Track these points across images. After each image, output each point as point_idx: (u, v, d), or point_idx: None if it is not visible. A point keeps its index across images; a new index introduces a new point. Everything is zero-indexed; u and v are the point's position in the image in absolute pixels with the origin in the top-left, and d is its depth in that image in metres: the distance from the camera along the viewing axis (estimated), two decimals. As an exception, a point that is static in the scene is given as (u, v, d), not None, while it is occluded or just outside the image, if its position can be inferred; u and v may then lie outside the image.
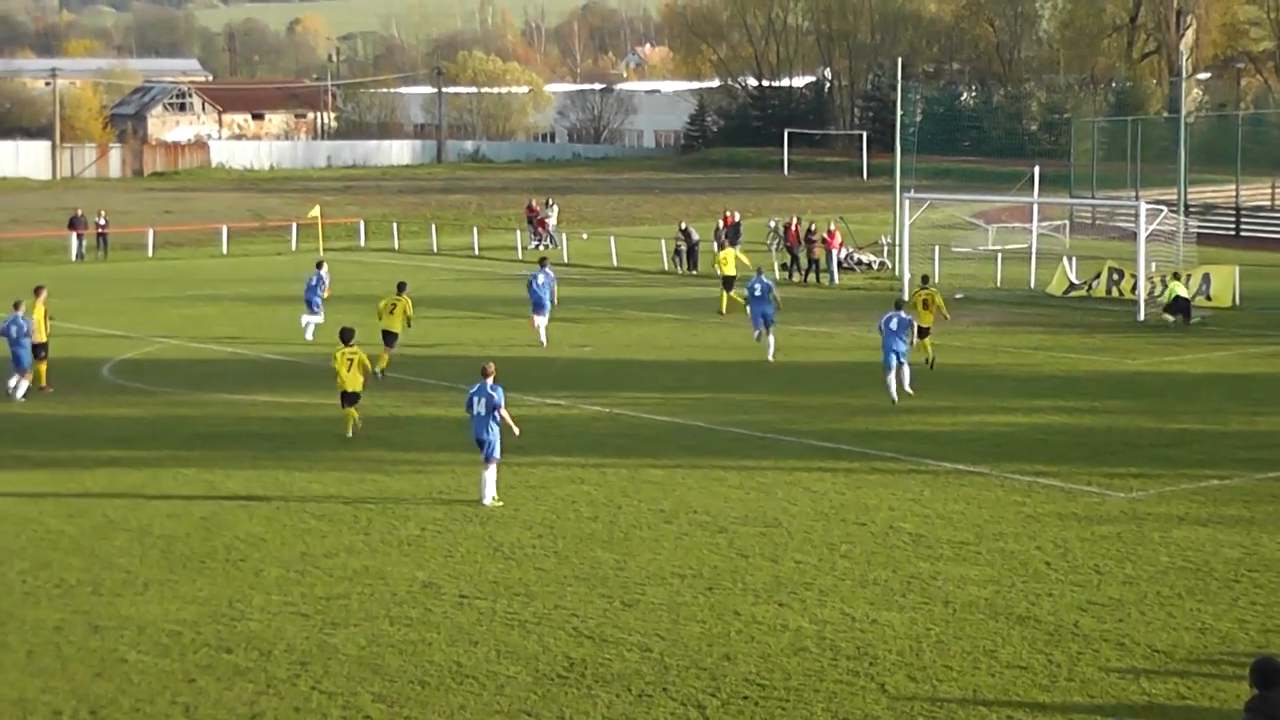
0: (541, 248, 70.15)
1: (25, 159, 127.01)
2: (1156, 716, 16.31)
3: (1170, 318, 44.97)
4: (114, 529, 23.69)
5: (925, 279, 40.56)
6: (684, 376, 37.43)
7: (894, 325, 33.29)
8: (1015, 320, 46.35)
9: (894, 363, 33.23)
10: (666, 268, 60.58)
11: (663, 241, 62.71)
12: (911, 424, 31.20)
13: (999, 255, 56.23)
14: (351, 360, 30.27)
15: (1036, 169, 58.48)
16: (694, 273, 59.51)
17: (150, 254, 69.31)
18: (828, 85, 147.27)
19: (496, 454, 25.05)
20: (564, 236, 68.72)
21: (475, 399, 25.15)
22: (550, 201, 76.78)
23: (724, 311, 47.47)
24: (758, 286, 39.33)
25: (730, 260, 48.91)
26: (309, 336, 42.06)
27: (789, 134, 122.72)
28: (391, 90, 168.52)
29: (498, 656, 18.02)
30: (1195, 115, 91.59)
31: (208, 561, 21.93)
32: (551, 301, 42.41)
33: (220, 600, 20.14)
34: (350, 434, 30.23)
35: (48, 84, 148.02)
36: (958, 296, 50.18)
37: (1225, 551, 21.94)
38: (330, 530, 23.52)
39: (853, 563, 21.57)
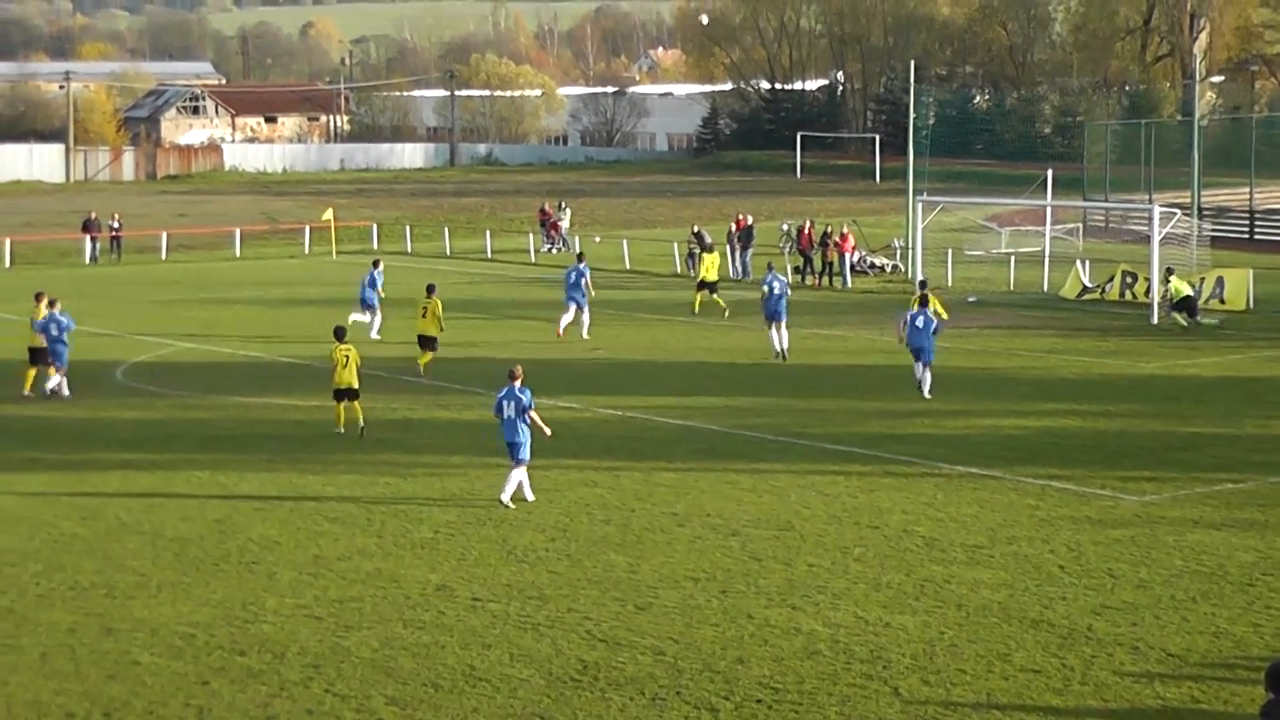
0: (554, 251, 70.24)
1: (39, 162, 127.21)
2: (1170, 721, 16.31)
3: (1180, 317, 44.89)
4: (127, 531, 23.71)
5: (924, 284, 41.04)
6: (697, 380, 37.42)
7: (919, 323, 34.02)
8: (1028, 323, 46.29)
9: (920, 361, 34.08)
10: (679, 271, 60.52)
11: (675, 244, 62.71)
12: (924, 427, 31.17)
13: (1012, 258, 56.18)
14: (348, 357, 30.56)
15: (1050, 172, 58.43)
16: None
17: (163, 257, 69.42)
18: (840, 88, 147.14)
19: (527, 455, 25.11)
20: (576, 239, 68.68)
21: (505, 402, 25.14)
22: (563, 204, 76.76)
23: (696, 311, 48.03)
24: (775, 285, 39.56)
25: (714, 266, 49.50)
26: (375, 335, 42.50)
27: (802, 137, 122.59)
28: (404, 93, 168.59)
29: (511, 660, 18.02)
30: (1209, 118, 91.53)
31: (221, 564, 21.95)
32: (586, 295, 43.53)
33: (233, 603, 20.16)
34: (343, 429, 30.47)
35: (61, 87, 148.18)
36: (971, 300, 50.19)
37: (1240, 555, 21.90)
38: (344, 533, 23.54)
39: (866, 566, 21.56)
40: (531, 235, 71.87)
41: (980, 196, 72.67)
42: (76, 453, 29.56)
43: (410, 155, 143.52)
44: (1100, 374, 37.73)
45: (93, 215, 72.03)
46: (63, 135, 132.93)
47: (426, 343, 37.85)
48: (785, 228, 64.06)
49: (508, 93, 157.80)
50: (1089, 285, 51.52)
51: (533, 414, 25.10)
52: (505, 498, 24.94)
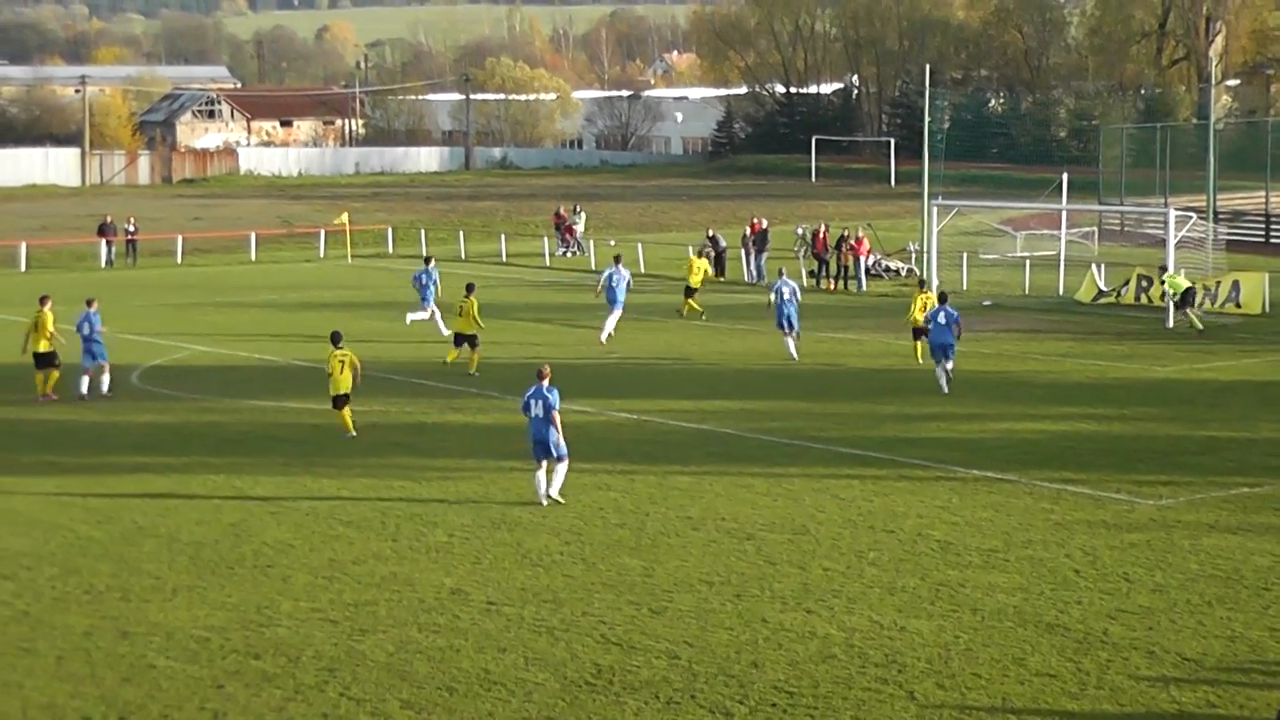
0: (569, 255, 70.25)
1: (55, 166, 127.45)
2: (1186, 725, 16.29)
3: (1195, 315, 44.83)
4: (143, 535, 23.75)
5: (922, 283, 41.89)
6: (711, 383, 37.41)
7: (941, 319, 35.01)
8: (1044, 327, 46.23)
9: (942, 356, 34.85)
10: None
11: (690, 248, 62.58)
12: (939, 431, 31.14)
13: (1027, 262, 56.08)
14: (343, 362, 30.86)
15: (1065, 176, 58.32)
16: (721, 280, 59.45)
17: (179, 261, 69.51)
18: (855, 92, 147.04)
19: (564, 451, 25.26)
20: (591, 243, 68.71)
21: (532, 401, 25.32)
22: (578, 208, 76.72)
23: (684, 314, 48.57)
24: (785, 289, 40.19)
25: (701, 271, 49.91)
26: (445, 331, 42.80)
27: (816, 141, 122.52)
28: (419, 97, 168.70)
29: (526, 663, 18.02)
30: (1224, 122, 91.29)
31: (236, 568, 21.98)
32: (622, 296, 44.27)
33: (249, 606, 20.18)
34: (355, 431, 30.80)
35: (77, 91, 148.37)
36: (986, 304, 50.13)
37: (1255, 559, 21.85)
38: (358, 537, 23.55)
39: (881, 570, 21.54)
40: (546, 239, 71.86)
41: (995, 200, 72.55)
42: (92, 456, 29.62)
43: (425, 159, 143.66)
44: (1116, 378, 37.66)
45: (108, 219, 72.17)
46: (78, 139, 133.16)
47: (465, 340, 38.34)
48: (800, 231, 64.00)
49: (523, 96, 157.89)
50: (1104, 289, 51.42)
51: (555, 415, 25.17)
52: (554, 492, 25.24)
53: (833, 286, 56.84)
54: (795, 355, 39.93)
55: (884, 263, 60.07)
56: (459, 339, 38.63)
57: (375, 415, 33.09)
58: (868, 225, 65.59)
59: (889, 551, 22.43)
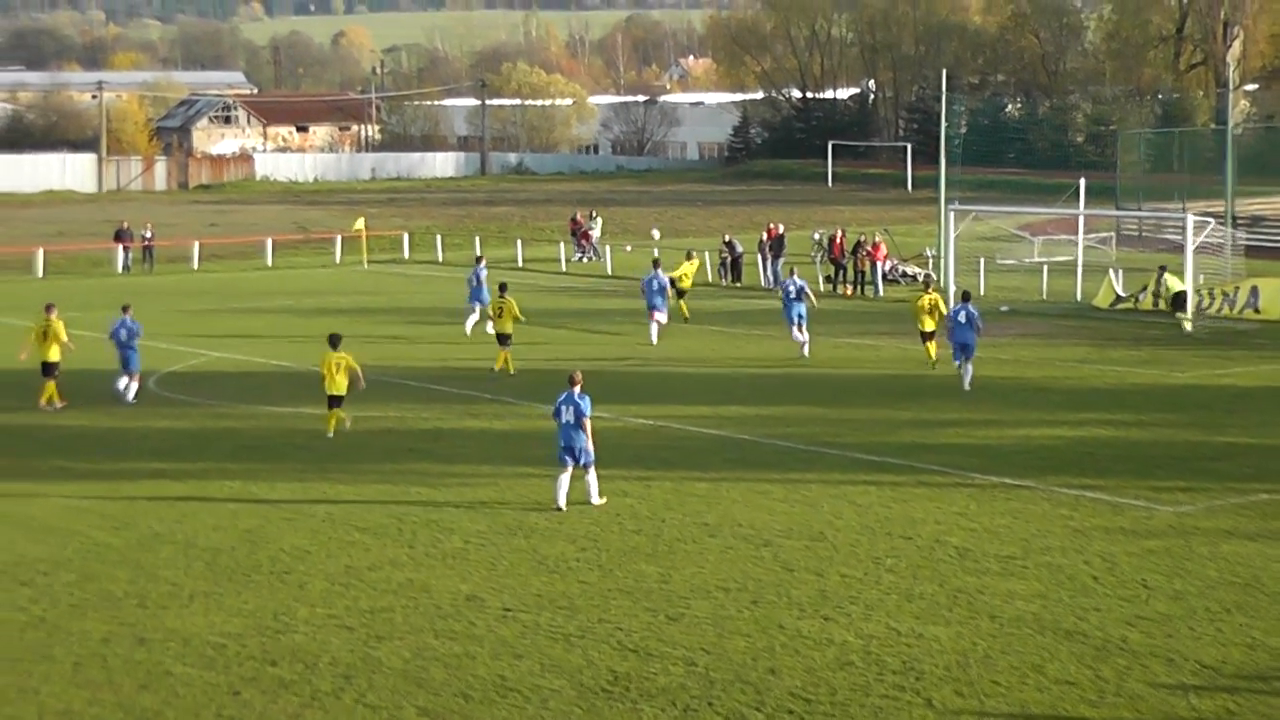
0: (585, 260, 70.26)
1: (71, 171, 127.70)
2: (1206, 733, 16.21)
3: (1186, 319, 44.85)
4: (159, 541, 23.75)
5: (928, 283, 42.60)
6: (728, 389, 37.36)
7: (962, 318, 35.73)
8: (1061, 333, 46.13)
9: (962, 355, 35.63)
10: (710, 280, 60.45)
11: (706, 254, 62.62)
12: (957, 437, 31.07)
13: (1045, 268, 55.95)
14: (339, 365, 31.15)
15: (1082, 181, 58.12)
16: (738, 285, 59.43)
17: (195, 266, 69.57)
18: (872, 97, 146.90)
19: (592, 457, 25.31)
20: (607, 249, 68.69)
21: (563, 407, 25.35)
22: (594, 214, 76.76)
23: (687, 318, 48.64)
24: (791, 288, 41.39)
25: (690, 275, 50.14)
26: (492, 329, 42.65)
27: (833, 146, 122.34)
28: (435, 103, 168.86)
29: (542, 670, 17.98)
30: (1243, 127, 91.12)
31: (253, 574, 21.96)
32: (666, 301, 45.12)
33: (265, 613, 20.16)
34: (333, 434, 31.11)
35: (94, 97, 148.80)
36: (1003, 309, 50.02)
37: (1275, 566, 21.75)
38: (375, 543, 23.53)
39: (898, 577, 21.47)
40: (562, 244, 71.87)
41: (1012, 205, 72.36)
42: (109, 462, 29.62)
43: (441, 164, 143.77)
44: (1134, 383, 37.56)
45: (125, 225, 72.22)
46: (95, 145, 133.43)
47: (504, 340, 38.80)
48: (817, 237, 63.94)
49: (539, 102, 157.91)
50: (1122, 294, 51.30)
51: (586, 422, 25.21)
52: (594, 499, 25.37)
53: (849, 292, 56.77)
54: (805, 353, 40.58)
55: (901, 268, 59.99)
56: (502, 339, 39.01)
57: (391, 421, 33.12)
58: (884, 230, 65.55)
59: (906, 558, 22.36)
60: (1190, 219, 48.36)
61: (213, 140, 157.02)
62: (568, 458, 25.28)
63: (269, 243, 73.15)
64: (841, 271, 57.58)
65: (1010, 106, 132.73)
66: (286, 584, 21.47)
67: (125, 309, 36.32)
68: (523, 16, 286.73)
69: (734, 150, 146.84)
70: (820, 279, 57.11)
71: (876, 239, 58.31)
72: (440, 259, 71.86)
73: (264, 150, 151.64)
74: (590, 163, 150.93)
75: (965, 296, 36.82)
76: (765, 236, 60.94)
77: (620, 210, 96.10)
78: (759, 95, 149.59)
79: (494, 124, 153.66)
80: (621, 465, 28.37)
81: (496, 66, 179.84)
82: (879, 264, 56.78)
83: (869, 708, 16.77)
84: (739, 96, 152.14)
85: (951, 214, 52.94)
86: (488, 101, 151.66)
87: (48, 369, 34.96)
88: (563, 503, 25.19)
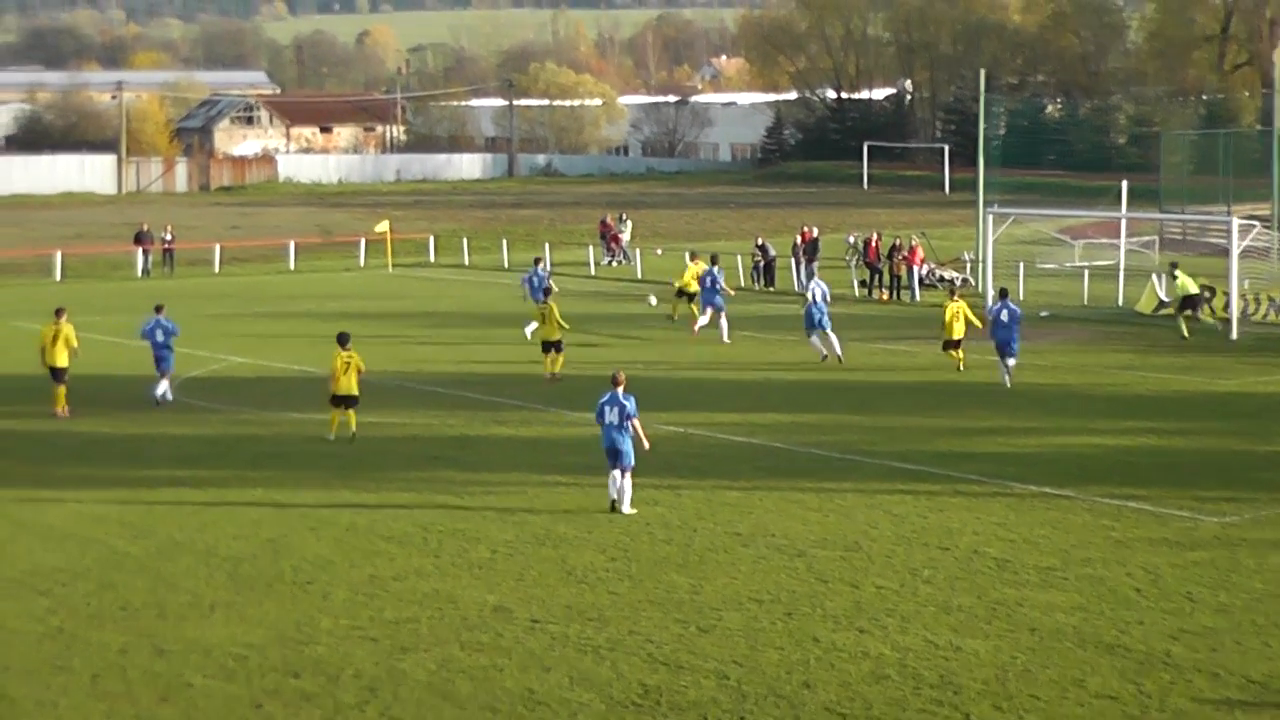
0: (615, 264, 69.97)
1: (91, 173, 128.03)
2: (1256, 754, 15.84)
3: (1184, 323, 44.47)
4: (179, 550, 23.49)
5: (953, 290, 42.26)
6: (760, 395, 37.02)
7: (1004, 317, 36.15)
8: (1103, 339, 45.71)
9: (1004, 353, 36.05)
10: (743, 284, 60.07)
11: (739, 257, 62.29)
12: (995, 445, 30.73)
13: (1086, 272, 55.39)
14: (348, 364, 31.07)
15: (1124, 183, 57.54)
16: (771, 289, 59.09)
17: (216, 270, 69.33)
18: (908, 97, 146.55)
19: (632, 462, 25.15)
20: (638, 252, 68.42)
21: (607, 408, 25.21)
22: (624, 216, 76.46)
23: (674, 317, 48.93)
24: (817, 291, 41.90)
25: (695, 275, 49.86)
26: (528, 334, 42.91)
27: (868, 147, 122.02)
28: (461, 103, 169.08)
29: (570, 683, 17.72)
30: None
31: (274, 584, 21.69)
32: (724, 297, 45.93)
33: (287, 623, 19.90)
34: (334, 436, 30.95)
35: (114, 97, 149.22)
36: (1043, 315, 49.54)
37: (1323, 579, 21.36)
38: (399, 552, 23.23)
39: (935, 588, 21.13)
40: (591, 248, 71.68)
41: (1052, 208, 71.95)
42: (128, 469, 29.42)
43: (468, 166, 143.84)
44: (1177, 391, 37.11)
45: (145, 227, 71.81)
46: (115, 146, 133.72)
47: (552, 347, 38.76)
48: (852, 240, 63.53)
49: (567, 102, 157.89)
50: (1165, 300, 50.68)
51: (635, 422, 25.10)
52: (626, 509, 25.10)
53: (885, 297, 56.38)
54: (826, 354, 40.45)
55: (938, 272, 59.48)
56: (546, 346, 38.95)
57: (417, 427, 32.87)
58: (921, 234, 65.10)
59: (944, 569, 22.02)
60: (1235, 222, 47.86)
61: (234, 141, 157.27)
62: (614, 459, 25.14)
63: (292, 246, 72.74)
64: (877, 276, 57.17)
65: (1050, 107, 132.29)
66: (309, 594, 21.19)
67: (159, 309, 36.31)
68: (551, 15, 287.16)
69: (767, 152, 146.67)
70: (855, 283, 56.69)
71: (913, 242, 57.91)
72: (466, 262, 71.65)
73: (287, 151, 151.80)
74: (620, 164, 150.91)
75: (1004, 294, 37.12)
76: (799, 240, 60.56)
77: (651, 213, 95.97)
78: (792, 95, 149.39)
79: (521, 125, 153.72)
80: (651, 473, 27.96)
81: (524, 66, 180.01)
82: (915, 268, 56.32)
83: (906, 725, 16.47)
84: (772, 97, 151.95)
85: (990, 217, 52.49)
86: (515, 102, 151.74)
87: (57, 374, 34.62)
88: (627, 507, 25.10)
